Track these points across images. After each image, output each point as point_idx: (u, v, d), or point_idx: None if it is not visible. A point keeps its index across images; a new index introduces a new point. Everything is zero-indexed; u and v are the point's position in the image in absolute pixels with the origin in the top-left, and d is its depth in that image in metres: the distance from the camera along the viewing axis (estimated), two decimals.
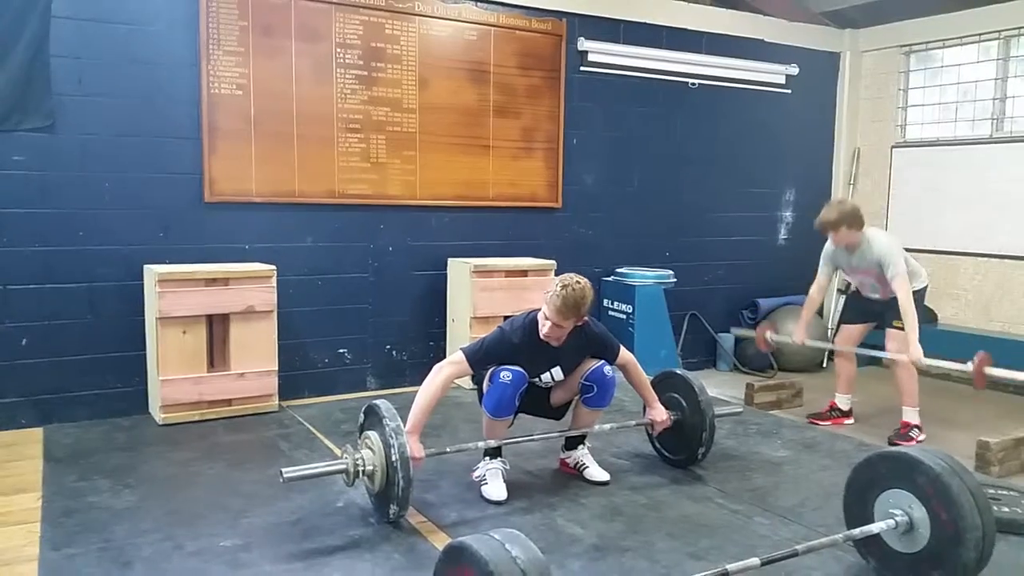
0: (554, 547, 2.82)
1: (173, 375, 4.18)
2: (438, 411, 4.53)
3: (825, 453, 4.00)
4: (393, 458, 2.87)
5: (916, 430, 4.49)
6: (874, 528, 2.58)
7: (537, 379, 3.35)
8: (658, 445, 3.80)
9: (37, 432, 4.06)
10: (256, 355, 4.39)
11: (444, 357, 5.22)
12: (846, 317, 4.92)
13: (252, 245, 4.67)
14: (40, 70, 4.07)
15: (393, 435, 2.90)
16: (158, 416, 4.19)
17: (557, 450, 3.70)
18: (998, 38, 5.92)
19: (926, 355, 4.28)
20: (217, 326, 4.33)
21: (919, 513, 2.52)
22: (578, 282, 3.14)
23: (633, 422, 3.77)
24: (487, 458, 3.37)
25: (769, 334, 5.04)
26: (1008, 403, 4.87)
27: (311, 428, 4.21)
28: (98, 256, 4.30)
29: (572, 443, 3.62)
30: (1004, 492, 3.35)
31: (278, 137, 4.68)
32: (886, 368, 4.69)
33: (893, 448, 3.14)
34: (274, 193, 4.70)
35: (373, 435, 3.00)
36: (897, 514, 2.56)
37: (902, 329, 4.41)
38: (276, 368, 4.47)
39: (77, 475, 3.46)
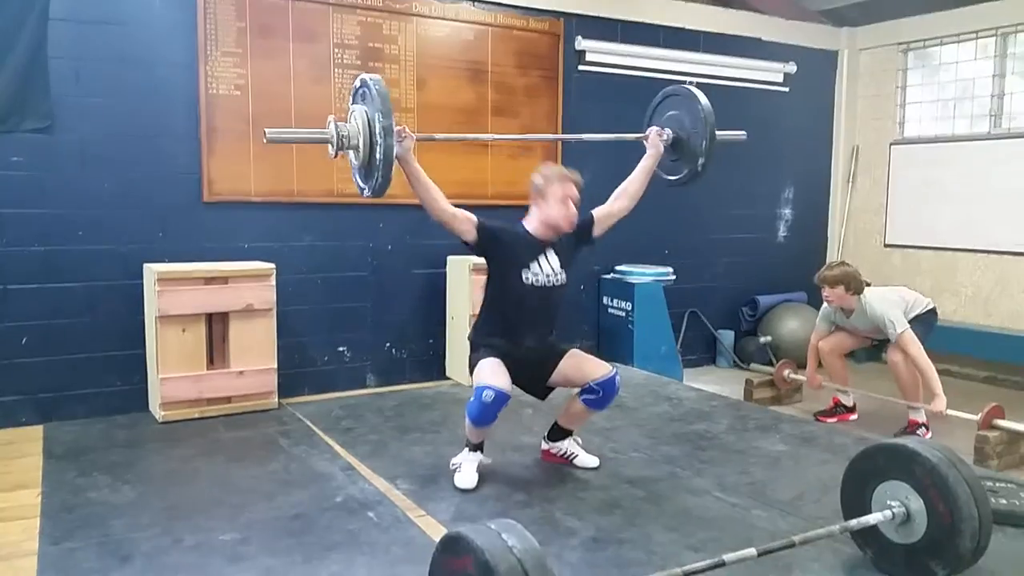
0: (552, 539, 2.82)
1: (173, 373, 4.19)
2: (437, 407, 4.57)
3: (824, 447, 4.00)
4: (377, 130, 2.89)
5: (923, 428, 4.49)
6: (871, 519, 2.58)
7: (536, 266, 3.40)
8: (661, 172, 3.87)
9: (37, 430, 4.07)
10: (255, 353, 4.40)
11: (444, 354, 5.30)
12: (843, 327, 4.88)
13: (251, 244, 4.69)
14: (38, 71, 4.09)
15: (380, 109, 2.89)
16: (158, 414, 4.20)
17: None
18: (995, 35, 5.93)
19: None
20: (216, 324, 4.34)
21: (916, 504, 2.52)
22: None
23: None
24: (466, 449, 3.41)
25: (787, 372, 5.23)
26: (1007, 397, 4.88)
27: (311, 425, 4.21)
28: (97, 255, 4.31)
29: (558, 435, 3.63)
30: (1002, 484, 3.35)
31: None
32: (886, 364, 4.71)
33: (890, 440, 3.15)
34: (273, 192, 4.72)
35: (359, 109, 2.99)
36: (894, 505, 2.55)
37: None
38: (275, 366, 4.48)
39: (77, 471, 3.47)
